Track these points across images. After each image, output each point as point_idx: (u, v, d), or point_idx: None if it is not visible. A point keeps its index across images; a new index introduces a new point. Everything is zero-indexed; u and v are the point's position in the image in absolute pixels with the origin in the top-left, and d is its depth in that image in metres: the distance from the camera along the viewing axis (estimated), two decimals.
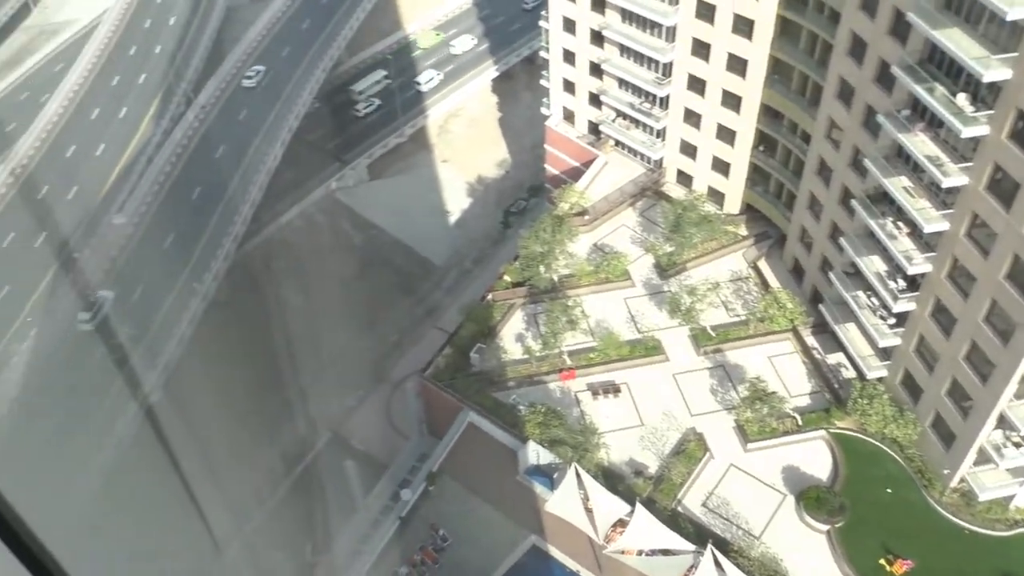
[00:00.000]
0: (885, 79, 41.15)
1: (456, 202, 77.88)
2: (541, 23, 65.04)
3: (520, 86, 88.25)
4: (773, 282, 53.73)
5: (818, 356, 49.07)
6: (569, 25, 61.80)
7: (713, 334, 50.33)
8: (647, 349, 50.03)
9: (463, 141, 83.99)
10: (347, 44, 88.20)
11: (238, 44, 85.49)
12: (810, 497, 41.97)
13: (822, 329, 49.82)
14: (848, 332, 47.07)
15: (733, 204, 58.91)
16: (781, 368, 48.66)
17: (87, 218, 67.07)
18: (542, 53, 67.14)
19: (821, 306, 49.27)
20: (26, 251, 64.11)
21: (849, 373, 47.64)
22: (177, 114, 77.52)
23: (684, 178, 61.21)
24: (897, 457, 43.58)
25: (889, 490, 42.74)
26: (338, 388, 60.09)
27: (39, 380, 56.17)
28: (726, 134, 56.48)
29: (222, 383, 52.16)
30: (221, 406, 47.56)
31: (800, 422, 45.34)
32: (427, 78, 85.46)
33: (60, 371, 56.34)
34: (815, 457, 44.39)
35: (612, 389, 48.23)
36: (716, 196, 59.31)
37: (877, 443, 44.19)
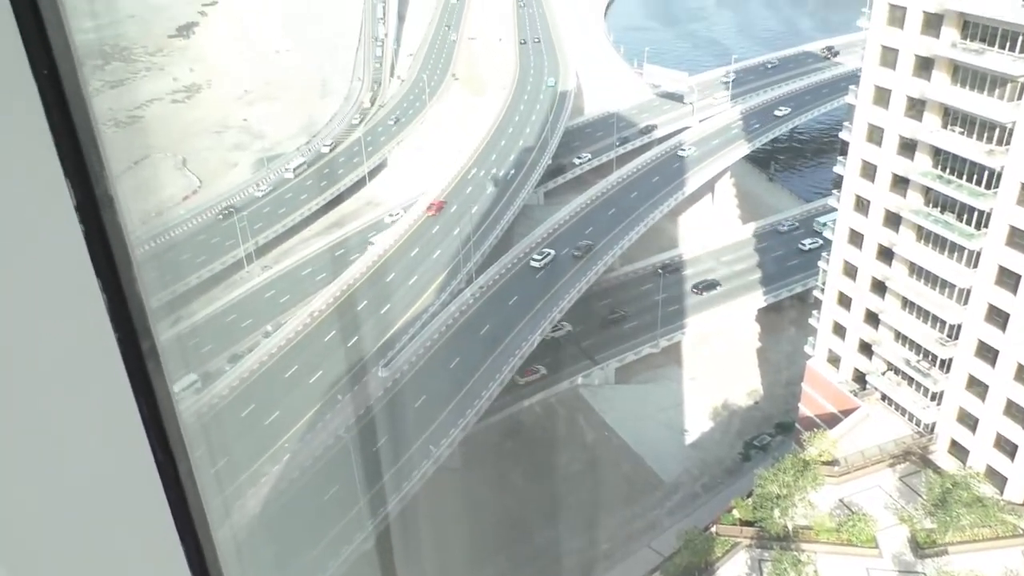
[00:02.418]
0: None
1: (696, 423, 75.37)
2: (820, 263, 63.87)
3: (786, 321, 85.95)
4: None
5: None
6: (850, 270, 60.04)
7: None
8: None
9: (716, 363, 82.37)
10: (623, 253, 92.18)
11: (525, 238, 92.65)
12: None
13: None
14: None
15: (1017, 491, 51.07)
16: None
17: (357, 367, 73.39)
18: (816, 293, 65.46)
19: None
20: (301, 385, 70.98)
21: None
22: (457, 290, 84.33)
23: (959, 450, 54.54)
24: None
25: None
26: None
27: (280, 504, 60.22)
28: (1018, 412, 50.08)
29: (431, 545, 52.49)
30: (423, 566, 47.62)
31: None
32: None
33: (302, 499, 60.12)
34: None
35: None
36: (996, 478, 51.91)
37: None
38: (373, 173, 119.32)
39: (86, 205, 2.24)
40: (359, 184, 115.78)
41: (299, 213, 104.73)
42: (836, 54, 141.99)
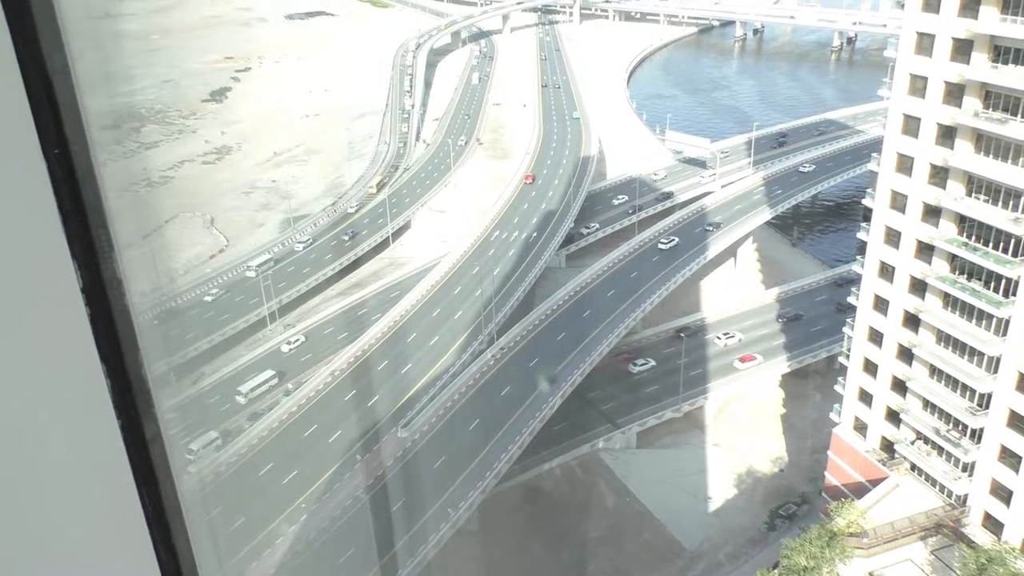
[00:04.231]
0: None
1: (720, 489, 73.89)
2: (845, 329, 63.26)
3: (811, 387, 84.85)
4: None
5: None
6: (875, 337, 59.35)
7: None
8: None
9: (740, 429, 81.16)
10: (644, 316, 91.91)
11: (546, 300, 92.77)
12: None
13: None
14: None
15: None
16: None
17: (374, 428, 73.08)
18: (841, 359, 64.73)
19: None
20: (319, 444, 70.65)
21: None
22: (478, 351, 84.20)
23: (993, 523, 52.91)
24: None
25: None
26: None
27: (296, 566, 59.46)
28: None
29: None
30: None
31: None
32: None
33: (318, 561, 59.32)
34: None
35: None
36: None
37: None
38: (397, 234, 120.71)
39: (93, 287, 2.21)
40: (383, 245, 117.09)
41: (322, 272, 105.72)
42: (783, 144, 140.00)
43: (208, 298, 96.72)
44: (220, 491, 65.52)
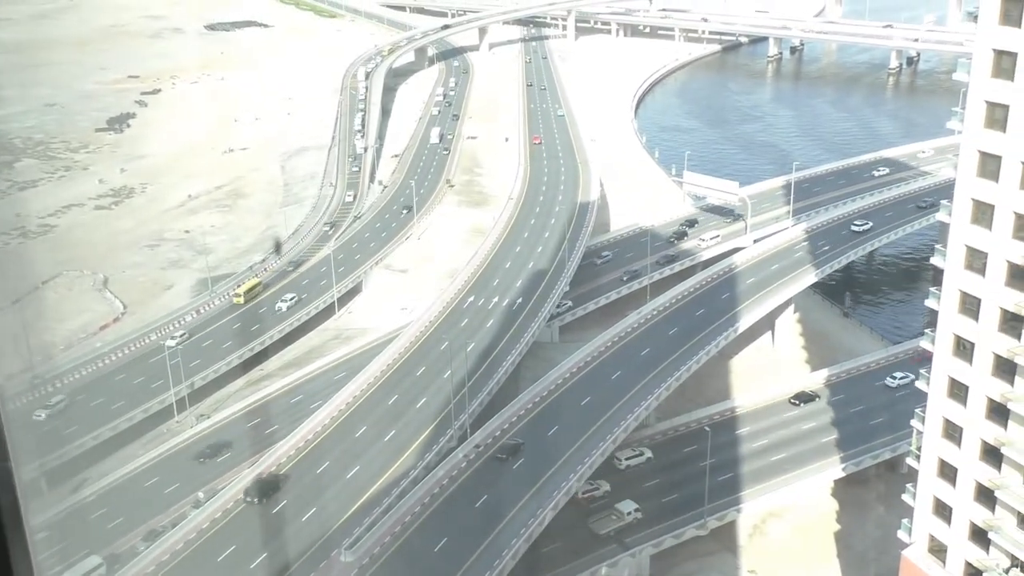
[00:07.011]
0: None
1: None
2: (913, 422, 63.39)
3: (872, 496, 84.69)
4: None
5: None
6: (952, 431, 59.48)
7: None
8: None
9: (783, 553, 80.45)
10: (658, 405, 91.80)
11: (535, 384, 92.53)
12: None
13: None
14: None
15: None
16: None
17: (313, 547, 71.79)
18: (909, 460, 64.73)
19: None
20: (239, 572, 69.23)
21: None
22: (446, 449, 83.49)
23: None
24: None
25: None
26: None
27: None
28: None
29: None
30: None
31: None
32: None
33: None
34: None
35: None
36: None
37: None
38: (344, 300, 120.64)
39: None
40: (326, 312, 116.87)
41: (248, 348, 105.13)
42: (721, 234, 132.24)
43: (111, 376, 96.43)
44: None
